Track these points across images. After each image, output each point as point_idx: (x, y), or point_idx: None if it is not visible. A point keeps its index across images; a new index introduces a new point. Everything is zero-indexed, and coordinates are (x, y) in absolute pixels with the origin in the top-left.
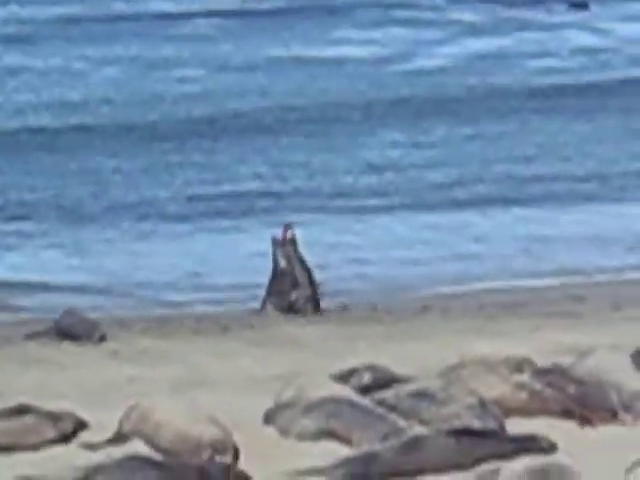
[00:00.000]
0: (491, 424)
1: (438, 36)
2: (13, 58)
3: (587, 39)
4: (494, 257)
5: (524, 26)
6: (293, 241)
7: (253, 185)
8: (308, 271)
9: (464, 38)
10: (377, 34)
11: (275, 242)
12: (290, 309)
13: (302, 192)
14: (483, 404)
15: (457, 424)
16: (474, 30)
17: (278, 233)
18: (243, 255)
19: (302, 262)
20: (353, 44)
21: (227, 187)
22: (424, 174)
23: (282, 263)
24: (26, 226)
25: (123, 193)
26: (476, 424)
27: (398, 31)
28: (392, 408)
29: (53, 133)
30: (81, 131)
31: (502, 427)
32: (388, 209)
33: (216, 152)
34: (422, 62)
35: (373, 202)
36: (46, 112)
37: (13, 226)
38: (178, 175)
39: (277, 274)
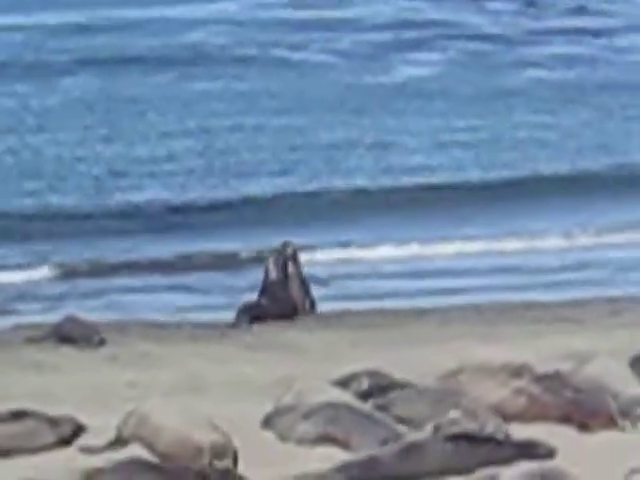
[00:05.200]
0: (490, 429)
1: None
2: None
3: None
4: None
5: None
6: (294, 257)
7: None
8: (305, 289)
9: None
10: None
11: (272, 255)
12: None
13: None
14: (482, 409)
15: (456, 429)
16: None
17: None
18: None
19: (301, 280)
20: None
21: None
22: None
23: (273, 275)
24: None
25: None
26: (475, 429)
27: None
28: (391, 413)
29: None
30: None
31: (501, 432)
32: None
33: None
34: None
35: None
36: None
37: None
38: None
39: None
